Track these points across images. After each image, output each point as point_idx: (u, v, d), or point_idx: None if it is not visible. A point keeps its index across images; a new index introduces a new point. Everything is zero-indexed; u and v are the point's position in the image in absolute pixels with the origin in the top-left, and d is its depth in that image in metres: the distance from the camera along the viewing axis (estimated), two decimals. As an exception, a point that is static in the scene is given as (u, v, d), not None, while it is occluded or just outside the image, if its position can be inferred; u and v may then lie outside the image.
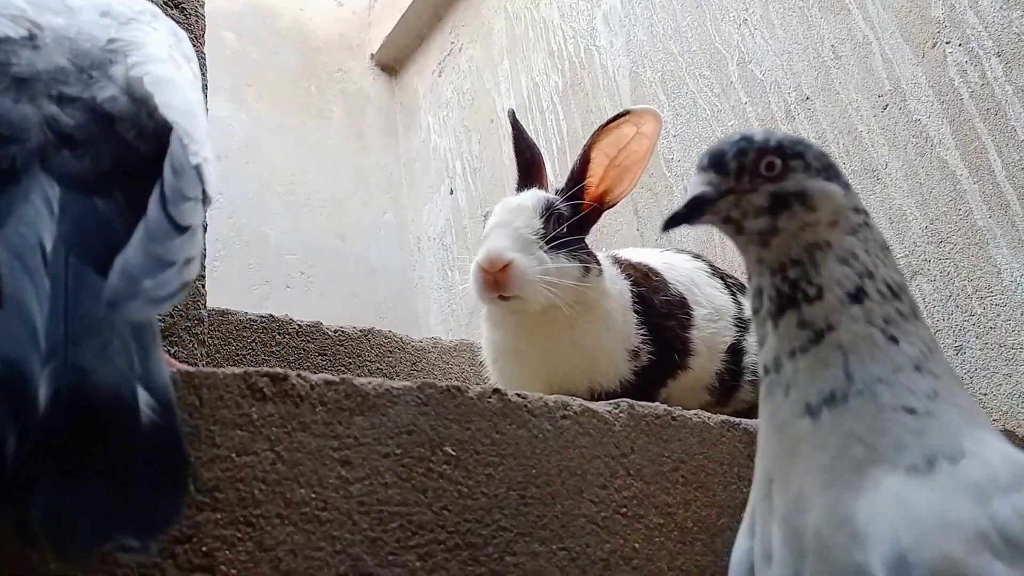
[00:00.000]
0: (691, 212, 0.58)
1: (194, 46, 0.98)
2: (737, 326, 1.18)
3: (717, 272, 1.24)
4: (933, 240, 1.48)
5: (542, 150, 2.46)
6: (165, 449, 0.46)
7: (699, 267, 1.22)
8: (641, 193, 2.08)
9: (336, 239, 2.73)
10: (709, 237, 1.84)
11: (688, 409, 1.03)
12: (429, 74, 2.98)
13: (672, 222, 0.58)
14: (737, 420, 0.87)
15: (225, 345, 1.08)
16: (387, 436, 0.61)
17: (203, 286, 0.89)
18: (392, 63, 3.13)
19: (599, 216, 1.12)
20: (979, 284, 1.41)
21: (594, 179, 1.09)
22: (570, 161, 2.35)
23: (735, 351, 1.15)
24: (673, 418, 0.81)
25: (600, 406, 0.76)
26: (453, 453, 0.63)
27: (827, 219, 0.56)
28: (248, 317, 1.12)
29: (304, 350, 1.14)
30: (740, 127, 1.82)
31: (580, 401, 0.75)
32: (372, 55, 3.12)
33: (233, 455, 0.54)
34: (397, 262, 2.84)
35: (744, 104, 1.81)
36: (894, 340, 0.53)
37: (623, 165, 1.09)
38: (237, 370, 0.57)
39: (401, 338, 1.24)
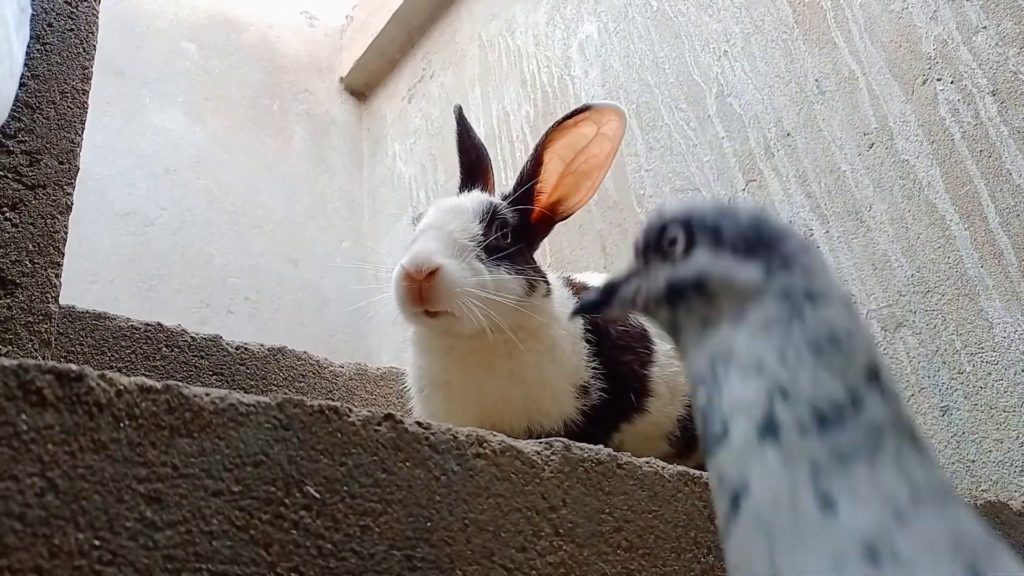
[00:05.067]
0: (601, 299, 0.47)
1: (86, 0, 0.84)
2: (704, 366, 1.03)
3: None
4: (920, 290, 1.36)
5: (510, 181, 2.34)
6: None
7: (663, 298, 1.08)
8: (610, 229, 1.95)
9: (288, 264, 2.57)
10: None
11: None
12: (398, 100, 2.86)
13: (581, 309, 0.49)
14: (697, 473, 0.72)
15: (98, 354, 0.91)
16: (222, 467, 0.45)
17: (57, 276, 0.73)
18: (361, 87, 3.02)
19: (550, 228, 0.97)
20: (969, 339, 1.29)
21: (546, 185, 0.95)
22: (537, 194, 2.23)
23: (700, 395, 1.00)
24: (619, 465, 0.65)
25: (527, 445, 0.61)
26: (316, 495, 0.48)
27: (730, 314, 0.40)
28: (130, 324, 0.95)
29: (196, 367, 0.98)
30: (717, 163, 1.71)
31: (501, 437, 0.59)
32: (341, 78, 3.01)
33: (-22, 480, 0.38)
34: (352, 293, 2.68)
35: (722, 139, 1.70)
36: (829, 504, 0.34)
37: (580, 171, 0.94)
38: (7, 362, 0.41)
39: (317, 361, 1.07)
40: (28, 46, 0.79)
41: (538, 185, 0.94)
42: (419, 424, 0.55)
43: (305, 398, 0.50)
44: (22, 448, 0.39)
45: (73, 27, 0.82)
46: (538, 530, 0.57)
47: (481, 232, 0.89)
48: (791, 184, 1.56)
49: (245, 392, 1.03)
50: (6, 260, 0.69)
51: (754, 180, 1.62)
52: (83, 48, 0.81)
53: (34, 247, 0.72)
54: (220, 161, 2.59)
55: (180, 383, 0.46)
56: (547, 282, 0.93)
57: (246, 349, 1.03)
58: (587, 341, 0.93)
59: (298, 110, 2.86)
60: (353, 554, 0.47)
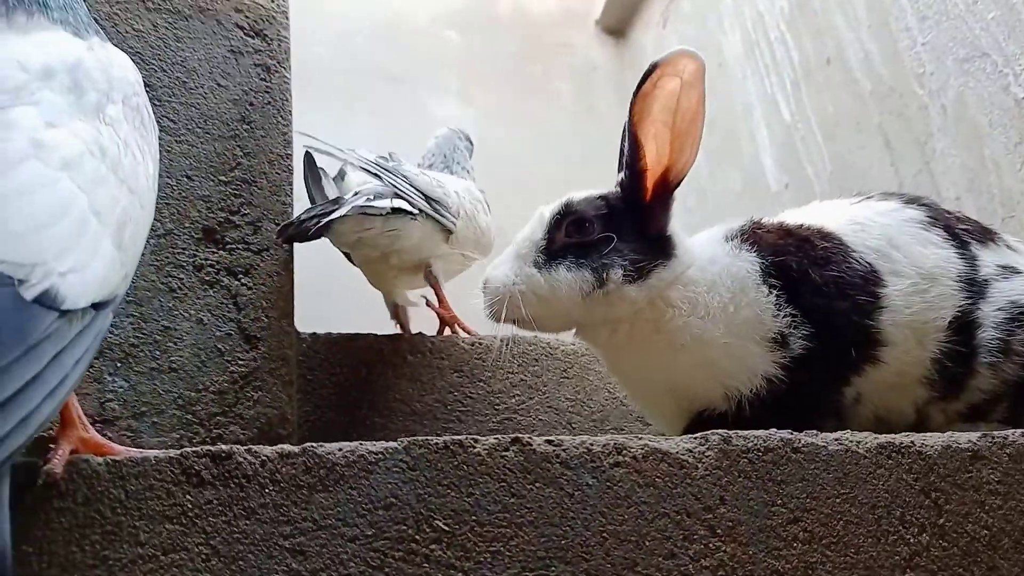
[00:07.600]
0: None
1: (277, 71, 0.96)
2: (967, 290, 0.88)
3: (940, 219, 0.94)
4: None
5: (774, 88, 2.16)
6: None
7: (907, 219, 0.93)
8: (891, 120, 1.72)
9: (573, 220, 2.65)
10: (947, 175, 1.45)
11: (894, 411, 0.81)
12: (654, 27, 2.77)
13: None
14: (906, 441, 0.63)
15: (354, 371, 1.05)
16: (356, 514, 0.51)
17: (290, 324, 0.87)
18: (617, 24, 2.98)
19: (670, 198, 0.92)
20: None
21: (652, 159, 0.90)
22: (806, 96, 2.04)
23: (963, 327, 0.86)
24: (794, 449, 0.61)
25: (675, 445, 0.59)
26: (446, 528, 0.52)
27: None
28: (377, 339, 1.08)
29: (438, 368, 1.08)
30: (1006, 18, 1.41)
31: (645, 441, 0.58)
32: (596, 20, 2.99)
33: (159, 553, 0.48)
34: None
35: (1008, -14, 1.40)
36: None
37: (680, 130, 0.88)
38: (173, 453, 0.51)
39: (548, 343, 1.12)
40: (235, 127, 0.92)
41: (641, 163, 0.90)
42: (548, 442, 0.56)
43: (430, 438, 0.54)
44: (190, 524, 0.49)
45: (270, 100, 0.94)
46: (690, 533, 0.56)
47: (543, 237, 0.92)
48: (1104, 23, 1.25)
49: (485, 384, 1.11)
50: (248, 319, 0.84)
51: (1057, 28, 1.32)
52: (280, 117, 0.93)
53: (268, 304, 0.86)
54: (496, 136, 2.74)
55: (316, 444, 0.53)
56: (651, 261, 0.88)
57: (479, 343, 1.12)
58: (771, 286, 0.85)
59: (561, 67, 2.90)
60: (485, 580, 0.51)
